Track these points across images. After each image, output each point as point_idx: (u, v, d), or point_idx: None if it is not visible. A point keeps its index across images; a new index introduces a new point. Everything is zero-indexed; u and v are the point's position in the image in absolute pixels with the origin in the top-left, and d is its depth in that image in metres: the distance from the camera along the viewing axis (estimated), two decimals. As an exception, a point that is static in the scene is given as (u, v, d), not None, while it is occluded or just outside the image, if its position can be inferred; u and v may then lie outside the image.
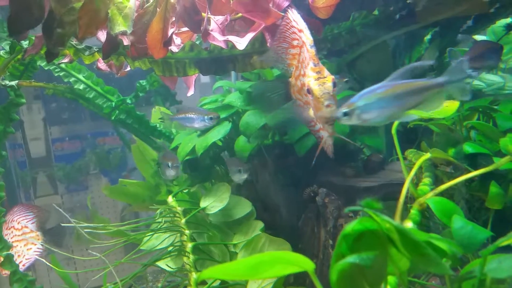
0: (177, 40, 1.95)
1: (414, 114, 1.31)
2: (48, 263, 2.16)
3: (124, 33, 1.65)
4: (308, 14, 1.76)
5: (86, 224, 1.89)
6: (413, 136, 2.41)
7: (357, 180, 2.26)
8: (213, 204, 2.47)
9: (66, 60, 2.07)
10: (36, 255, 2.04)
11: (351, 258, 0.87)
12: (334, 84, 1.39)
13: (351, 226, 0.92)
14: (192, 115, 2.35)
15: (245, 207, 2.49)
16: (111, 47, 1.76)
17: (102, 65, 2.07)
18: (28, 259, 2.06)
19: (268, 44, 1.76)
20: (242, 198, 2.50)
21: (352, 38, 1.90)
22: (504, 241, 0.91)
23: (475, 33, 2.15)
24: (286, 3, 1.64)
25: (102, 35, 1.78)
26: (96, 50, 1.92)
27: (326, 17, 1.63)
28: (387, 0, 2.14)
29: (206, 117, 2.30)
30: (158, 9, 1.67)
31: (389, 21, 1.98)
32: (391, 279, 1.06)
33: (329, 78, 1.40)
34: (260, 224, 2.32)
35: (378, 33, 2.02)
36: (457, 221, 1.09)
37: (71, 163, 4.29)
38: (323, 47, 1.90)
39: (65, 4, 1.60)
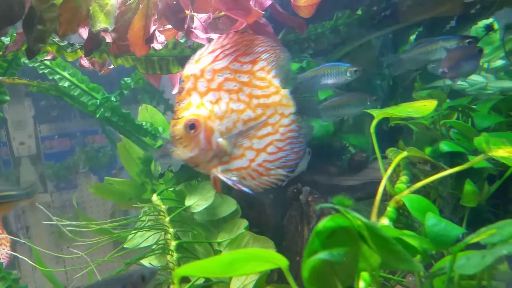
0: (161, 38, 1.94)
1: (393, 113, 1.33)
2: (31, 262, 2.14)
3: (105, 30, 1.64)
4: (292, 13, 1.77)
5: (68, 222, 1.87)
6: (398, 135, 2.43)
7: (340, 178, 2.28)
8: (198, 202, 2.47)
9: (48, 57, 2.05)
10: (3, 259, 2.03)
11: (321, 255, 0.88)
12: (192, 126, 1.28)
13: (322, 223, 0.93)
14: (327, 71, 2.11)
15: (230, 205, 2.49)
16: (93, 44, 1.74)
17: (85, 62, 2.05)
18: None
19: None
20: (227, 197, 2.50)
21: (336, 38, 1.91)
22: (473, 239, 0.93)
23: (459, 33, 2.17)
24: (269, 2, 1.65)
25: (84, 32, 1.77)
26: (78, 47, 1.91)
27: (308, 16, 1.64)
28: (373, -1, 2.16)
29: (348, 70, 2.07)
30: (140, 6, 1.66)
31: (372, 21, 2.00)
32: (365, 275, 1.07)
33: (182, 120, 1.29)
34: (245, 223, 2.32)
35: (362, 32, 2.03)
36: (430, 218, 1.10)
37: (60, 161, 4.25)
38: (307, 46, 1.91)
39: (46, 0, 1.58)
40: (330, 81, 2.13)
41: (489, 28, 1.99)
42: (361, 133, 2.58)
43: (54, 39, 1.89)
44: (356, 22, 1.93)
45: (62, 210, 4.17)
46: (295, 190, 2.20)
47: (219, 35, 1.37)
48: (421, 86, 2.42)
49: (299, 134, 1.42)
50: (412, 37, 2.58)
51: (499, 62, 2.59)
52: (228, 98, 1.34)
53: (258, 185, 1.37)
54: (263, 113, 1.38)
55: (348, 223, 0.94)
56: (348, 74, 2.10)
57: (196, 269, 0.99)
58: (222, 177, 1.33)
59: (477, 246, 0.98)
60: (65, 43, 1.90)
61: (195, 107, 1.30)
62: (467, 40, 1.88)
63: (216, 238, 2.39)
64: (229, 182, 1.33)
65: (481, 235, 0.94)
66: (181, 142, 1.29)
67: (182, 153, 1.30)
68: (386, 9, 2.02)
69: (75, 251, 1.70)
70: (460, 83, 2.22)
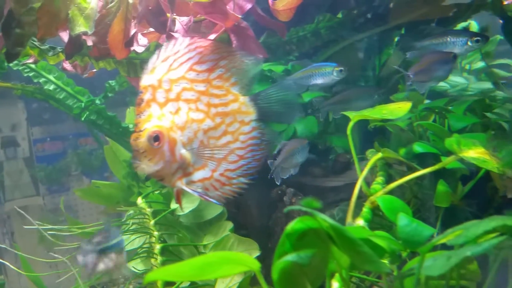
0: (143, 41, 1.94)
1: (368, 115, 1.34)
2: (14, 267, 2.13)
3: (85, 34, 1.64)
4: (272, 17, 1.78)
5: (50, 226, 1.87)
6: (382, 136, 2.45)
7: (324, 180, 2.29)
8: (184, 205, 2.47)
9: (30, 61, 2.05)
10: None
11: (289, 257, 0.89)
12: (155, 138, 1.24)
13: (291, 226, 0.94)
14: (315, 72, 2.11)
15: (216, 208, 2.49)
16: (74, 48, 1.74)
17: (67, 65, 2.05)
18: None
19: (233, 46, 1.77)
20: (214, 199, 2.50)
21: (317, 41, 1.93)
22: (440, 240, 0.94)
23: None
24: (249, 5, 1.66)
25: (65, 36, 1.76)
26: (60, 50, 1.91)
27: (287, 20, 1.66)
28: (357, 2, 2.18)
29: (334, 70, 2.09)
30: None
31: (353, 24, 2.02)
32: (338, 275, 1.08)
33: (144, 133, 1.25)
34: (230, 225, 2.33)
35: (344, 35, 2.05)
36: (402, 219, 1.11)
37: (52, 164, 4.23)
38: (288, 49, 1.92)
39: (25, 4, 1.58)
40: (318, 81, 2.15)
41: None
42: (345, 134, 2.59)
43: (35, 43, 1.89)
44: (337, 25, 1.94)
45: (55, 213, 4.14)
46: (279, 192, 2.22)
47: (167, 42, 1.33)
48: (404, 88, 2.44)
49: (261, 141, 1.40)
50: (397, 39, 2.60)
51: (480, 64, 2.63)
52: (187, 108, 1.31)
53: (220, 195, 1.35)
54: (222, 122, 1.36)
55: (317, 224, 0.95)
56: (334, 74, 2.13)
57: (167, 273, 0.99)
58: (188, 189, 1.31)
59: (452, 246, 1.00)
60: (46, 46, 1.90)
61: (156, 118, 1.27)
62: (475, 38, 1.85)
63: (202, 240, 2.39)
64: (195, 194, 1.31)
65: (448, 236, 0.96)
66: (146, 156, 1.25)
67: (147, 167, 1.26)
68: (367, 12, 2.04)
69: (56, 255, 1.69)
70: (442, 84, 2.25)
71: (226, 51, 1.37)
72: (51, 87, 2.72)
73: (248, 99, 1.40)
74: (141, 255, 2.27)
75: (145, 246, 2.24)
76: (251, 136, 1.39)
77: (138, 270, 2.19)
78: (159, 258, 2.14)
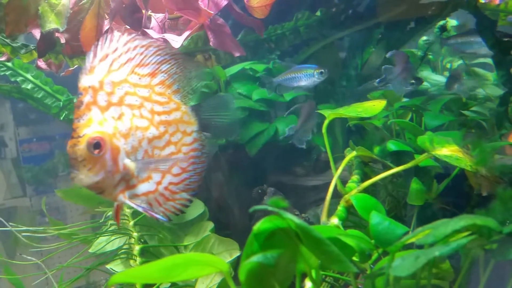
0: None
1: (344, 113, 1.33)
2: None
3: (57, 31, 1.60)
4: (249, 14, 1.76)
5: (25, 228, 1.82)
6: (363, 134, 2.45)
7: (306, 179, 2.29)
8: (165, 205, 2.43)
9: (3, 59, 1.99)
10: None
11: (255, 258, 0.87)
12: (96, 145, 1.12)
13: (258, 226, 0.92)
14: (297, 74, 2.12)
15: (197, 208, 2.46)
16: (46, 45, 1.70)
17: (41, 64, 2.00)
18: None
19: (210, 43, 1.75)
20: (195, 199, 2.47)
21: (296, 39, 1.91)
22: (410, 239, 0.93)
23: (418, 35, 2.21)
24: (225, 2, 1.64)
25: (37, 33, 1.73)
26: (33, 48, 1.86)
27: (262, 17, 1.64)
28: (337, 0, 2.17)
29: (315, 72, 2.09)
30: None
31: (333, 22, 2.01)
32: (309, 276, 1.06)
33: (84, 139, 1.12)
34: (210, 225, 2.30)
35: (323, 33, 2.04)
36: (374, 217, 1.10)
37: (39, 164, 4.16)
38: (267, 47, 1.90)
39: (-7, 0, 1.54)
40: (300, 83, 2.16)
41: (442, 29, 2.03)
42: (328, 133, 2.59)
43: (6, 40, 1.84)
44: (316, 24, 1.93)
45: (42, 214, 4.07)
46: (260, 191, 2.20)
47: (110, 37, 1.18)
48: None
49: (201, 153, 1.33)
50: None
51: (461, 62, 2.64)
52: (131, 114, 1.20)
53: (164, 212, 1.25)
54: (165, 131, 1.27)
55: (285, 224, 0.93)
56: (316, 76, 2.13)
57: (133, 275, 0.96)
58: (131, 203, 1.19)
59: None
60: (19, 44, 1.85)
61: (97, 123, 1.14)
62: (319, 71, 2.06)
63: (183, 241, 2.36)
64: (140, 209, 1.20)
65: (418, 235, 0.95)
66: (85, 165, 1.12)
67: (86, 177, 1.12)
68: (346, 10, 2.03)
69: (30, 258, 1.64)
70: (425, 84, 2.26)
71: (168, 54, 1.28)
72: (29, 86, 2.66)
73: (190, 109, 1.33)
74: (121, 256, 2.24)
75: (124, 247, 2.20)
76: (193, 148, 1.32)
77: (118, 271, 2.15)
78: (138, 260, 2.11)
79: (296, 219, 0.86)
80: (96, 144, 1.12)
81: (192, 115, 1.33)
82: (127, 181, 1.19)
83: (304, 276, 1.01)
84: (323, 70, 2.10)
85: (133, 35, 1.22)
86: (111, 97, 1.18)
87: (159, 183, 1.24)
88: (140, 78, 1.23)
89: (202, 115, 1.35)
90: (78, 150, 1.12)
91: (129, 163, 1.18)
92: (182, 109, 1.31)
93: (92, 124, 1.14)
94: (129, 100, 1.21)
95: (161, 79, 1.27)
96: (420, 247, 1.01)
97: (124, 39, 1.20)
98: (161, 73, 1.27)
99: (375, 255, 1.05)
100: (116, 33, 1.20)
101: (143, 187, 1.22)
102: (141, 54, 1.23)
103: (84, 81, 1.16)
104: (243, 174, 2.57)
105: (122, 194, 1.19)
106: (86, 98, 1.15)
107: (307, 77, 2.12)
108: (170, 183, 1.26)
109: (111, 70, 1.19)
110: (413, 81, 1.73)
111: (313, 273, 0.96)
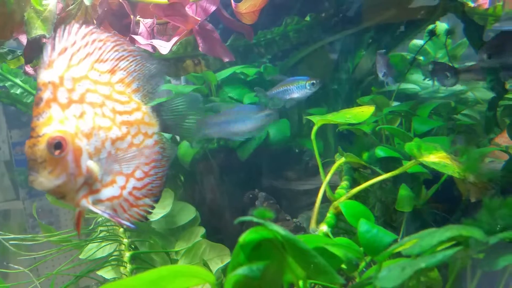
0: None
1: (332, 119, 1.32)
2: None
3: (43, 37, 1.58)
4: (238, 20, 1.76)
5: (12, 236, 1.80)
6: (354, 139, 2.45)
7: (297, 183, 2.28)
8: (155, 211, 2.41)
9: (-10, 64, 1.97)
10: None
11: (241, 270, 0.86)
12: (57, 146, 1.03)
13: (244, 236, 0.91)
14: (290, 86, 2.15)
15: (189, 213, 2.45)
16: (33, 51, 1.68)
17: (29, 69, 1.98)
18: None
19: (200, 49, 1.74)
20: (187, 204, 2.46)
21: (285, 43, 1.91)
22: (396, 248, 0.93)
23: (409, 38, 2.21)
24: (213, 8, 1.63)
25: (24, 39, 1.71)
26: (20, 54, 1.84)
27: (251, 23, 1.63)
28: (327, 4, 2.17)
29: (307, 83, 2.12)
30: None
31: (322, 27, 2.01)
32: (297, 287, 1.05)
33: (44, 139, 1.03)
34: (202, 230, 2.29)
35: (313, 37, 2.03)
36: (363, 225, 1.10)
37: None
38: (257, 52, 1.90)
39: (-22, 6, 1.52)
40: (293, 95, 2.20)
41: (431, 33, 2.04)
42: (319, 137, 2.59)
43: (-7, 46, 1.82)
44: (305, 28, 1.93)
45: (35, 217, 4.04)
46: (251, 196, 2.19)
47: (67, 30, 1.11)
48: (377, 90, 2.45)
49: (162, 156, 1.27)
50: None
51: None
52: (93, 112, 1.13)
53: (128, 218, 1.17)
54: (128, 132, 1.20)
55: (271, 235, 0.92)
56: (307, 87, 2.16)
57: (120, 287, 0.95)
58: (95, 209, 1.12)
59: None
60: (5, 49, 1.83)
61: (57, 121, 1.06)
62: (311, 81, 2.09)
63: (174, 247, 2.35)
64: (105, 215, 1.13)
65: (405, 245, 0.94)
66: (45, 167, 1.03)
67: (46, 180, 1.04)
68: (336, 15, 2.03)
69: (16, 266, 1.62)
70: (412, 87, 2.26)
71: (126, 50, 1.20)
72: (18, 91, 2.64)
73: (151, 109, 1.27)
74: (112, 263, 2.22)
75: (115, 254, 2.18)
76: (154, 151, 1.26)
77: (108, 279, 2.13)
78: (129, 266, 2.09)
79: (281, 230, 0.85)
80: (57, 144, 1.04)
81: (153, 116, 1.26)
82: (90, 185, 1.12)
83: (291, 286, 1.00)
84: (314, 81, 2.13)
85: (91, 27, 1.15)
86: (72, 94, 1.10)
87: (123, 187, 1.18)
88: (100, 75, 1.17)
89: (164, 115, 1.28)
90: (37, 150, 1.03)
91: (92, 165, 1.11)
92: (143, 109, 1.25)
93: (53, 123, 1.06)
94: (90, 98, 1.14)
95: (120, 77, 1.21)
96: (408, 255, 1.01)
97: (83, 32, 1.13)
98: (120, 70, 1.20)
99: (362, 264, 1.05)
100: (75, 25, 1.13)
101: (107, 192, 1.15)
102: (100, 49, 1.16)
103: (43, 76, 1.08)
104: (234, 179, 2.56)
105: (85, 199, 1.11)
106: (46, 94, 1.06)
107: (299, 89, 2.15)
108: (134, 187, 1.20)
109: (70, 65, 1.12)
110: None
111: (301, 284, 0.95)
